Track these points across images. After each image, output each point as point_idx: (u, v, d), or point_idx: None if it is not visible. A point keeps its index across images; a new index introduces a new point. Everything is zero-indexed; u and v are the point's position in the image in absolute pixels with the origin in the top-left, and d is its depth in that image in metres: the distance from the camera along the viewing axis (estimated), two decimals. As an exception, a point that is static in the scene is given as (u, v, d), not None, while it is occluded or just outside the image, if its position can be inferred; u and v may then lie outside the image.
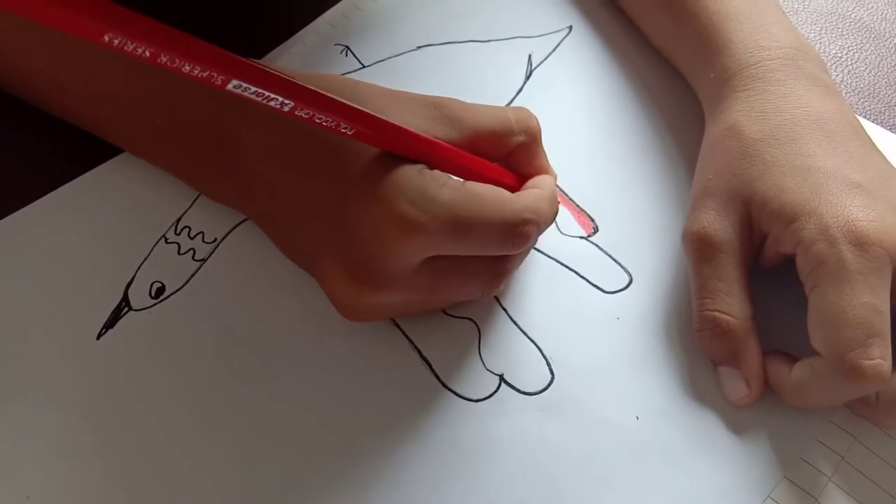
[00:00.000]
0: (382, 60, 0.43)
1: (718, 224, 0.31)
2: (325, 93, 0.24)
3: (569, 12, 0.45)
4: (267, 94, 0.23)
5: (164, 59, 0.20)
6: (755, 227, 0.31)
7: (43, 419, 0.30)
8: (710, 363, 0.32)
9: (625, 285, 0.35)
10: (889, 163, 0.32)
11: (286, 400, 0.31)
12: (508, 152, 0.31)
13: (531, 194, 0.30)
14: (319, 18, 0.45)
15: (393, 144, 0.27)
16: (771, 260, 0.32)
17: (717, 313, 0.31)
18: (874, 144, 0.33)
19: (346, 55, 0.43)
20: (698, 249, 0.32)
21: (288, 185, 0.30)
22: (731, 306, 0.31)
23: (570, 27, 0.44)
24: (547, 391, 0.31)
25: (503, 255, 0.30)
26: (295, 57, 0.43)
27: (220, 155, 0.32)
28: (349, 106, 0.25)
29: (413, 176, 0.26)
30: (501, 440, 0.30)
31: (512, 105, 0.41)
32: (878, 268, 0.28)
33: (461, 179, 0.28)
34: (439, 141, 0.28)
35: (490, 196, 0.28)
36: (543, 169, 0.33)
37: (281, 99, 0.23)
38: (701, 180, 0.33)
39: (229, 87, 0.22)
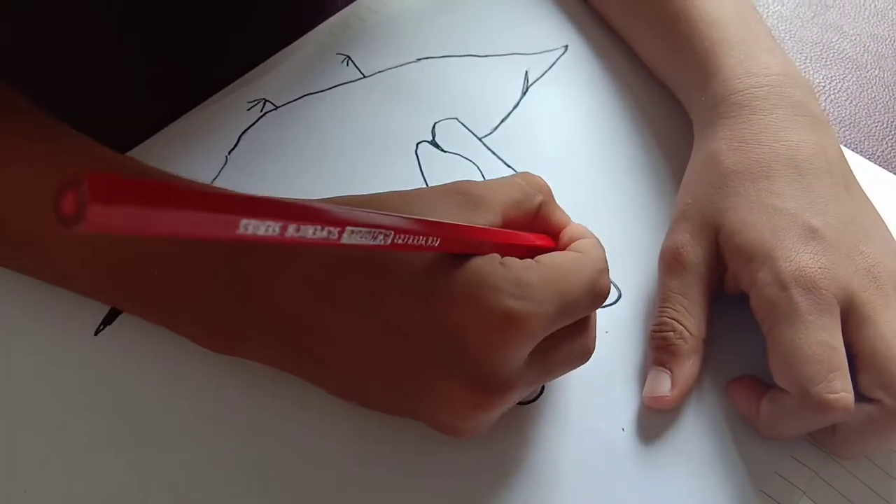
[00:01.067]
0: (382, 71, 0.43)
1: (691, 247, 0.33)
2: (406, 216, 0.23)
3: (566, 32, 0.47)
4: (375, 231, 0.21)
5: (290, 233, 0.18)
6: (721, 254, 0.33)
7: (41, 416, 0.30)
8: (647, 365, 0.33)
9: (614, 300, 0.36)
10: (857, 201, 0.33)
11: (288, 396, 0.31)
12: (532, 217, 0.30)
13: (586, 245, 0.29)
14: (321, 26, 0.46)
15: (466, 245, 0.26)
16: (732, 290, 0.33)
17: (674, 322, 0.32)
18: (848, 181, 0.34)
19: (347, 64, 0.44)
20: (670, 266, 0.33)
21: (345, 325, 0.27)
22: (689, 322, 0.32)
23: (566, 46, 0.46)
24: (536, 401, 0.32)
25: (585, 319, 0.29)
26: (296, 65, 0.43)
27: (242, 307, 0.28)
28: (429, 221, 0.24)
29: (498, 269, 0.25)
30: (490, 448, 0.31)
31: (506, 120, 0.42)
32: (827, 309, 0.29)
33: (529, 259, 0.27)
34: (494, 228, 0.28)
35: (568, 262, 0.27)
36: (565, 221, 0.32)
37: (383, 234, 0.21)
38: (681, 203, 0.35)
39: (344, 238, 0.20)
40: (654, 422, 0.32)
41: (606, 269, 0.29)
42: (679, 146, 0.40)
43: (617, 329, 0.35)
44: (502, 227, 0.28)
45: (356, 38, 0.45)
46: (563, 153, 0.41)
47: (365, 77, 0.43)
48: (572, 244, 0.29)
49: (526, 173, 0.31)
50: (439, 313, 0.25)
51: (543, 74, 0.44)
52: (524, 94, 0.43)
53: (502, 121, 0.42)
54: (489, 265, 0.25)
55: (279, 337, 0.28)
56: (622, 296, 0.36)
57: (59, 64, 0.39)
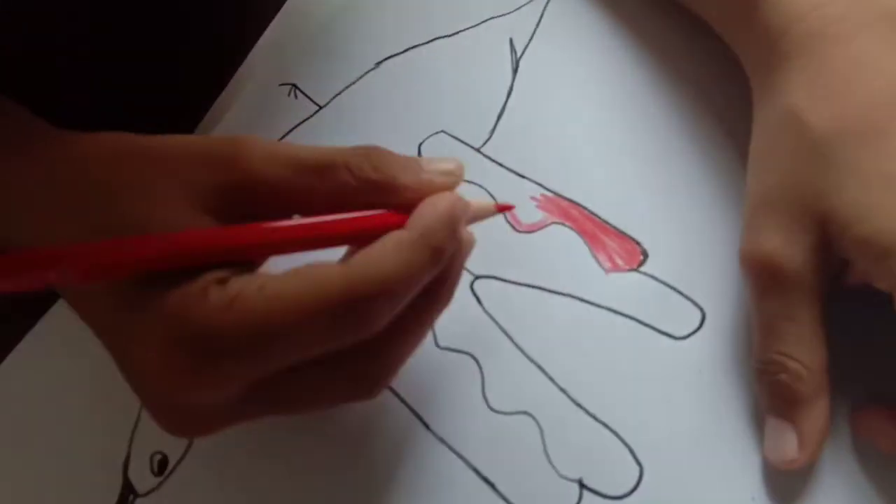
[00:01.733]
0: (340, 93, 0.35)
1: (787, 249, 0.25)
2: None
3: (543, -31, 0.37)
4: None
5: None
6: (834, 252, 0.25)
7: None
8: (762, 409, 0.26)
9: (698, 324, 0.28)
10: None
11: None
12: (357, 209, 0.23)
13: (368, 253, 0.21)
14: (253, 53, 0.37)
15: (156, 266, 0.21)
16: (855, 286, 0.25)
17: (785, 358, 0.25)
18: None
19: (296, 96, 0.35)
20: (762, 281, 0.25)
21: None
22: (804, 354, 0.25)
23: (550, -11, 0.36)
24: (640, 488, 0.26)
25: (363, 343, 0.22)
26: (240, 113, 0.36)
27: None
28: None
29: (192, 309, 0.21)
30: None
31: (503, 114, 0.33)
32: None
33: (264, 279, 0.21)
34: (224, 228, 0.22)
35: (299, 287, 0.21)
36: (422, 196, 0.23)
37: None
38: (758, 186, 0.26)
39: None
40: (789, 484, 0.26)
41: (375, 293, 0.21)
42: (731, 100, 0.31)
43: (712, 364, 0.28)
44: (288, 214, 0.22)
45: (296, 60, 0.36)
46: (581, 139, 0.32)
47: (322, 108, 0.35)
48: (375, 243, 0.22)
49: (366, 150, 0.23)
50: (124, 339, 0.23)
51: (532, 37, 0.35)
52: (515, 72, 0.34)
53: (498, 118, 0.33)
54: (185, 301, 0.21)
55: None
56: (706, 316, 0.28)
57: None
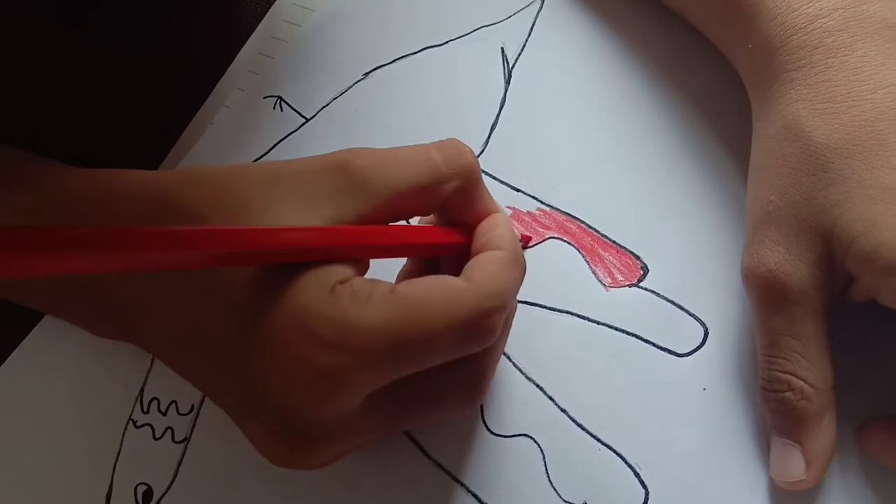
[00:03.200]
0: (328, 105, 0.34)
1: (790, 265, 0.24)
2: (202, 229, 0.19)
3: (534, -23, 0.36)
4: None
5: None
6: (838, 267, 0.24)
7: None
8: (767, 428, 0.26)
9: (701, 340, 0.28)
10: None
11: None
12: (442, 202, 0.24)
13: (486, 269, 0.23)
14: (235, 64, 0.36)
15: (278, 258, 0.21)
16: (859, 301, 0.25)
17: (790, 377, 0.24)
18: None
19: (282, 109, 0.34)
20: (765, 297, 0.25)
21: (171, 330, 0.24)
22: (808, 371, 0.24)
23: (542, -4, 0.35)
24: (644, 511, 0.25)
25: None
26: (222, 125, 0.34)
27: (88, 304, 0.26)
28: (186, 231, 0.19)
29: (322, 303, 0.20)
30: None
31: (495, 126, 0.32)
32: None
33: (390, 285, 0.21)
34: (339, 227, 0.22)
35: (432, 297, 0.21)
36: (488, 210, 0.25)
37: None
38: (759, 200, 0.26)
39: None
40: (799, 500, 0.25)
41: (498, 307, 0.22)
42: (728, 111, 0.31)
43: (717, 383, 0.27)
44: (394, 214, 0.23)
45: (281, 69, 0.35)
46: (579, 149, 0.32)
47: (308, 120, 0.34)
48: (472, 261, 0.23)
49: (448, 143, 0.25)
50: (245, 352, 0.22)
51: (524, 45, 0.34)
52: (508, 81, 0.33)
53: (491, 129, 0.33)
54: (312, 297, 0.20)
55: (125, 332, 0.27)
56: (709, 332, 0.28)
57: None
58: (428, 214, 0.26)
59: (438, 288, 0.22)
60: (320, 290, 0.21)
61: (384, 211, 0.23)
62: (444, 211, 0.25)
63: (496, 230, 0.24)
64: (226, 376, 0.23)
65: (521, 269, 0.24)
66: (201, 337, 0.23)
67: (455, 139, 0.25)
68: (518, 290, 0.24)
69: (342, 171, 0.23)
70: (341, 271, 0.21)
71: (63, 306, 0.28)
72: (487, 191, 0.26)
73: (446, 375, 0.24)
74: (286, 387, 0.21)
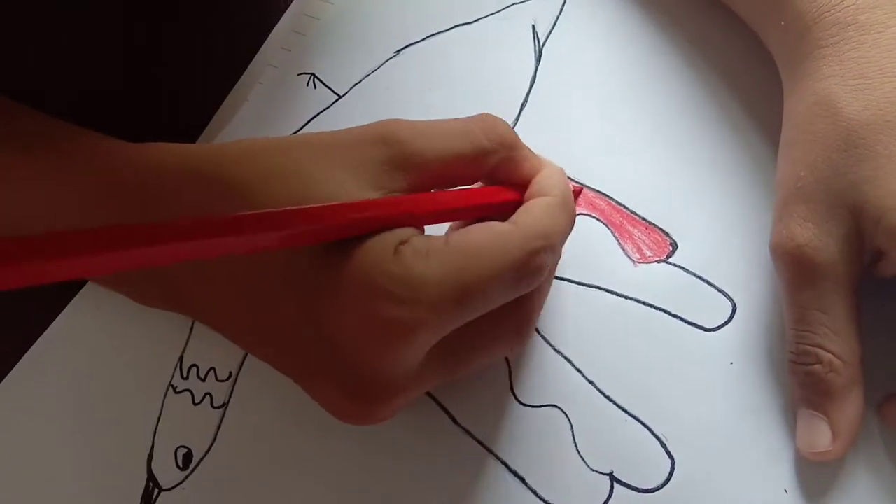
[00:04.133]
0: (360, 82, 0.35)
1: (819, 241, 0.25)
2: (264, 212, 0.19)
3: (566, -46, 0.36)
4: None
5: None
6: (867, 243, 0.24)
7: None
8: (795, 400, 0.26)
9: (729, 315, 0.28)
10: None
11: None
12: (489, 173, 0.25)
13: (532, 212, 0.24)
14: (269, 41, 0.37)
15: (335, 231, 0.21)
16: (888, 276, 0.25)
17: (819, 350, 0.25)
18: None
19: (315, 86, 0.35)
20: (794, 272, 0.25)
21: (233, 302, 0.25)
22: (837, 345, 0.25)
23: (573, -27, 0.35)
24: (671, 481, 0.26)
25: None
26: (256, 102, 0.35)
27: (148, 281, 0.27)
28: (303, 212, 0.20)
29: (388, 263, 0.21)
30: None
31: (526, 104, 0.33)
32: None
33: (443, 236, 0.23)
34: (397, 197, 0.23)
35: (483, 242, 0.23)
36: (536, 170, 0.26)
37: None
38: (789, 176, 0.26)
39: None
40: (823, 476, 0.25)
41: (544, 247, 0.23)
42: (760, 89, 0.31)
43: (745, 357, 0.27)
44: (440, 183, 0.24)
45: (315, 47, 0.36)
46: (609, 127, 0.32)
47: (341, 97, 0.34)
48: (521, 208, 0.25)
49: (485, 117, 0.25)
50: (315, 316, 0.22)
51: (555, 23, 0.35)
52: (539, 59, 0.34)
53: (522, 107, 0.33)
54: (377, 258, 0.21)
55: (186, 307, 0.27)
56: (737, 307, 0.28)
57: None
58: (473, 183, 0.26)
59: (487, 233, 0.23)
60: (385, 252, 0.21)
61: (432, 180, 0.24)
62: (491, 179, 0.26)
63: (546, 180, 0.26)
64: (289, 343, 0.24)
65: (569, 214, 0.25)
66: (260, 308, 0.24)
67: (486, 113, 0.26)
68: (567, 234, 0.26)
69: (388, 141, 0.23)
70: (402, 234, 0.22)
71: (119, 282, 0.29)
72: (531, 151, 0.27)
73: (499, 318, 0.24)
74: (358, 344, 0.22)
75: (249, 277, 0.24)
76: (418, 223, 0.23)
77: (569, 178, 0.31)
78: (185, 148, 0.25)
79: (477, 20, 0.35)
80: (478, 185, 0.27)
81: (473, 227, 0.23)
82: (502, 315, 0.24)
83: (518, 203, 0.25)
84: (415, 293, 0.21)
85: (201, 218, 0.19)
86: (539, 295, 0.26)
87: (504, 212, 0.25)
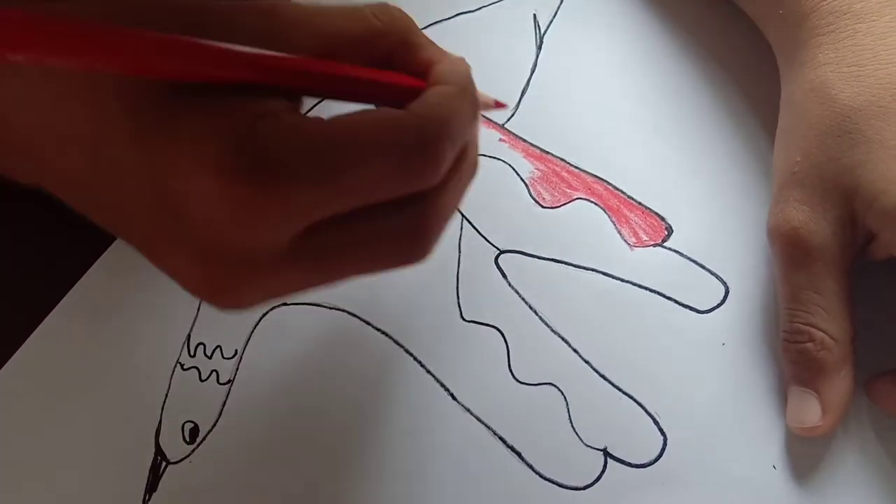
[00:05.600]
0: (363, 69, 0.35)
1: (813, 223, 0.25)
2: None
3: (567, -56, 0.37)
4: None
5: None
6: (860, 225, 0.25)
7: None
8: (787, 378, 0.27)
9: (721, 298, 0.29)
10: None
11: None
12: (381, 58, 0.22)
13: (429, 99, 0.21)
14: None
15: (203, 69, 0.18)
16: (880, 259, 0.26)
17: (811, 328, 0.25)
18: None
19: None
20: (789, 254, 0.26)
21: (73, 161, 0.22)
22: (829, 324, 0.25)
23: (574, -36, 0.36)
24: (663, 457, 0.27)
25: (419, 194, 0.21)
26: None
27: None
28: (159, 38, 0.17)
29: (246, 125, 0.19)
30: (623, 526, 0.26)
31: (526, 91, 0.33)
32: None
33: (319, 116, 0.20)
34: (279, 54, 0.19)
35: (368, 121, 0.20)
36: (436, 57, 0.23)
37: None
38: (785, 161, 0.27)
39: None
40: (811, 453, 0.26)
41: (443, 135, 0.20)
42: (758, 78, 0.31)
43: (735, 337, 0.28)
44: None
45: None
46: (607, 114, 0.33)
47: (345, 83, 0.35)
48: (419, 97, 0.21)
49: (382, 3, 0.23)
50: (162, 172, 0.19)
51: (556, 12, 0.35)
52: (539, 48, 0.34)
53: (522, 93, 0.34)
54: (239, 117, 0.19)
55: (25, 169, 0.24)
56: (730, 290, 0.29)
57: None
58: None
59: (375, 114, 0.20)
60: (246, 112, 0.19)
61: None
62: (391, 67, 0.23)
63: (445, 68, 0.23)
64: (136, 209, 0.21)
65: (471, 104, 0.22)
66: (111, 168, 0.21)
67: (385, 3, 0.23)
68: (468, 125, 0.22)
69: (269, 14, 0.20)
70: (272, 104, 0.19)
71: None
72: (430, 40, 0.24)
73: (384, 219, 0.21)
74: (206, 214, 0.19)
75: (100, 138, 0.21)
76: (293, 83, 0.20)
77: (565, 160, 0.32)
78: None
79: (479, 8, 0.36)
80: None
81: (362, 110, 0.20)
82: (390, 217, 0.21)
83: (419, 92, 0.22)
84: (268, 168, 0.18)
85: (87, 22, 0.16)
86: (437, 203, 0.22)
87: (401, 100, 0.22)
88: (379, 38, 0.22)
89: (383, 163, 0.19)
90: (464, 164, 0.23)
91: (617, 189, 0.31)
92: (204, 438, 0.29)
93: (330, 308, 0.31)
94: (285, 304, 0.31)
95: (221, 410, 0.30)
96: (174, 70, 0.18)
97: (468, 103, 0.22)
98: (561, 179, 0.32)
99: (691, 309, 0.29)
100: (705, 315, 0.29)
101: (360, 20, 0.22)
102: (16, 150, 0.23)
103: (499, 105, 0.27)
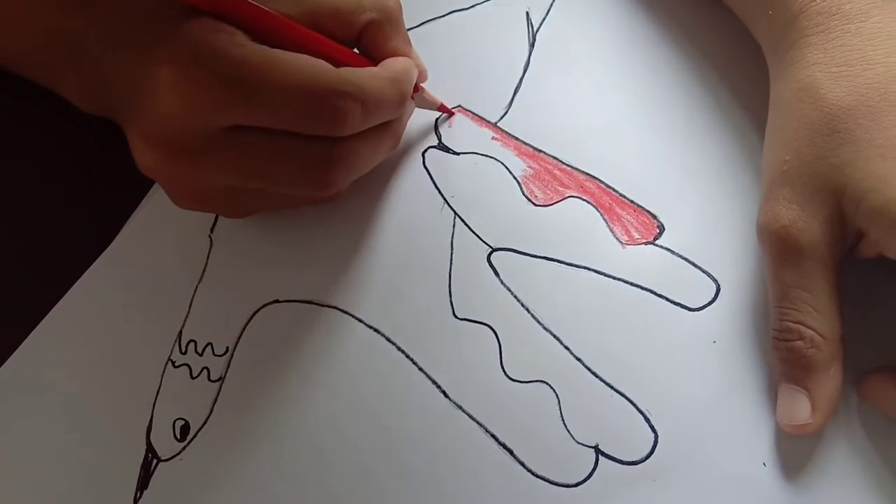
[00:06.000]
0: (356, 66, 0.35)
1: (803, 222, 0.25)
2: None
3: (560, -57, 0.37)
4: None
5: None
6: (849, 224, 0.25)
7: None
8: (777, 376, 0.27)
9: (712, 296, 0.29)
10: None
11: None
12: (357, 32, 0.28)
13: (360, 70, 0.27)
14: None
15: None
16: (869, 257, 0.26)
17: (801, 327, 0.26)
18: None
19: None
20: (779, 252, 0.26)
21: (124, 72, 0.27)
22: (819, 322, 0.25)
23: (567, -38, 0.36)
24: (654, 454, 0.27)
25: (330, 138, 0.27)
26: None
27: (62, 52, 0.29)
28: None
29: (205, 34, 0.25)
30: (614, 523, 0.26)
31: (519, 89, 0.34)
32: None
33: (266, 47, 0.26)
34: (261, 7, 0.26)
35: (296, 62, 0.26)
36: (401, 52, 0.30)
37: None
38: (775, 160, 0.27)
39: None
40: (800, 449, 0.26)
41: (351, 94, 0.26)
42: (749, 78, 0.31)
43: (726, 335, 0.28)
44: (307, 27, 0.27)
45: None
46: (600, 112, 0.33)
47: (338, 80, 0.35)
48: (358, 68, 0.28)
49: None
50: (149, 64, 0.26)
51: (549, 10, 0.35)
52: (532, 46, 0.34)
53: (515, 91, 0.34)
54: (202, 29, 0.25)
55: (89, 83, 0.29)
56: (721, 288, 0.29)
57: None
58: (346, 42, 0.28)
59: (308, 60, 0.26)
60: (207, 27, 0.25)
61: (304, 21, 0.27)
62: (359, 44, 0.29)
63: (394, 60, 0.29)
64: (122, 101, 0.27)
65: (396, 90, 0.28)
66: (112, 68, 0.27)
67: None
68: (385, 105, 0.28)
69: None
70: (234, 30, 0.25)
71: (53, 77, 0.31)
72: (407, 38, 0.30)
73: (294, 144, 0.27)
74: (160, 87, 0.25)
75: (100, 31, 0.27)
76: (275, 40, 0.26)
77: (558, 158, 0.32)
78: None
79: (472, 6, 0.36)
80: None
81: (304, 56, 0.26)
82: (302, 141, 0.27)
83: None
84: (210, 60, 0.25)
85: None
86: (346, 147, 0.28)
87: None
88: (359, 14, 0.28)
89: (293, 98, 0.25)
90: (384, 133, 0.29)
91: (609, 187, 0.31)
92: (195, 436, 0.29)
93: (321, 305, 0.31)
94: (277, 301, 0.31)
95: (212, 408, 0.30)
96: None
97: (393, 88, 0.28)
98: (553, 177, 0.32)
99: (682, 307, 0.29)
100: (696, 313, 0.29)
101: None
102: (38, 49, 0.29)
103: (443, 108, 0.33)
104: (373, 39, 0.29)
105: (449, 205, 0.32)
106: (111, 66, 0.28)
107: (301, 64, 0.26)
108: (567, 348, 0.29)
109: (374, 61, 0.29)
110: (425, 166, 0.33)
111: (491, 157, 0.32)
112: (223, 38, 0.25)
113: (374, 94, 0.27)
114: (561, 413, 0.28)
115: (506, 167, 0.32)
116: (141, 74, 0.26)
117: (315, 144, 0.27)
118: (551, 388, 0.28)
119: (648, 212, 0.31)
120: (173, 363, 0.31)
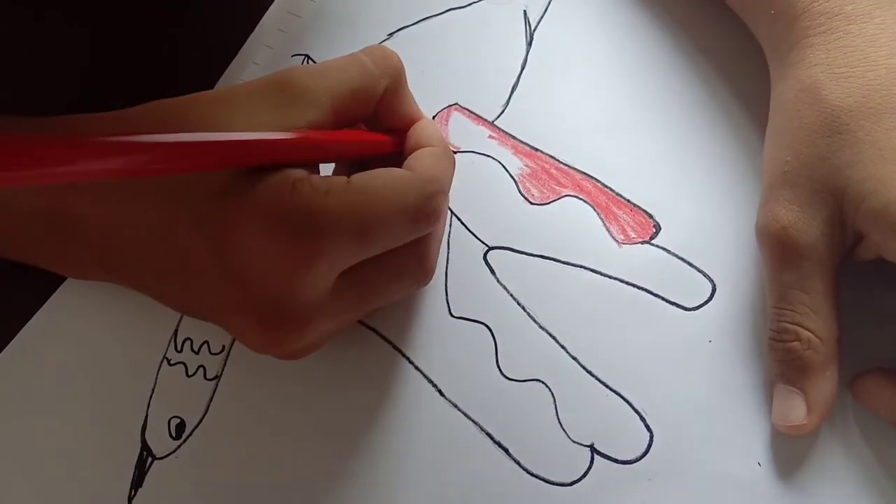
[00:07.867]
0: (353, 63, 0.35)
1: (802, 223, 0.25)
2: (108, 138, 0.19)
3: (558, -59, 0.37)
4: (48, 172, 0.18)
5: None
6: (848, 226, 0.25)
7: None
8: (771, 377, 0.27)
9: (708, 296, 0.29)
10: None
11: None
12: (376, 104, 0.28)
13: (424, 160, 0.27)
14: (263, 22, 0.37)
15: (235, 160, 0.23)
16: (868, 260, 0.26)
17: (798, 328, 0.26)
18: None
19: (309, 66, 0.35)
20: (778, 253, 0.26)
21: (145, 252, 0.26)
22: (816, 324, 0.25)
23: (565, -40, 0.36)
24: (650, 453, 0.27)
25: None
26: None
27: (65, 241, 0.27)
28: (148, 143, 0.20)
29: (286, 196, 0.23)
30: (609, 522, 0.26)
31: (516, 88, 0.33)
32: None
33: (345, 178, 0.24)
34: (294, 135, 0.24)
35: (384, 184, 0.25)
36: (414, 114, 0.29)
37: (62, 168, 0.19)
38: (775, 161, 0.27)
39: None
40: (795, 449, 0.26)
41: (439, 191, 0.26)
42: (749, 78, 0.31)
43: (722, 335, 0.28)
44: (335, 121, 0.26)
45: (309, 28, 0.36)
46: (598, 111, 0.33)
47: (334, 78, 0.35)
48: (411, 156, 0.27)
49: (375, 48, 0.28)
50: (220, 248, 0.24)
51: (546, 9, 0.35)
52: (529, 44, 0.34)
53: (512, 90, 0.34)
54: (279, 190, 0.23)
55: (99, 265, 0.28)
56: (717, 288, 0.29)
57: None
58: (365, 118, 0.28)
59: (387, 177, 0.25)
60: (283, 186, 0.23)
61: (328, 118, 0.25)
62: (376, 117, 0.28)
63: (426, 131, 0.28)
64: (203, 285, 0.25)
65: (452, 161, 0.28)
66: (176, 255, 0.25)
67: (379, 45, 0.28)
68: (451, 178, 0.29)
69: (283, 85, 0.25)
70: (299, 171, 0.23)
71: (38, 249, 0.29)
72: (412, 96, 0.29)
73: (401, 256, 0.26)
74: (263, 275, 0.23)
75: (165, 231, 0.24)
76: (312, 156, 0.25)
77: (554, 157, 0.32)
78: (103, 117, 0.26)
79: (469, 4, 0.36)
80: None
81: (373, 171, 0.25)
82: (405, 253, 0.26)
83: (397, 144, 0.28)
84: (313, 224, 0.23)
85: (115, 136, 0.19)
86: (436, 235, 0.28)
87: (384, 153, 0.28)
88: (377, 83, 0.27)
89: (400, 220, 0.24)
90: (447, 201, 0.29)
91: (606, 186, 0.31)
92: (190, 434, 0.29)
93: (318, 304, 0.30)
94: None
95: (208, 406, 0.30)
96: (203, 165, 0.22)
97: (449, 161, 0.28)
98: (550, 176, 0.32)
99: (678, 306, 0.29)
100: (692, 312, 0.29)
101: (362, 71, 0.26)
102: (91, 247, 0.27)
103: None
104: (388, 107, 0.28)
105: (445, 203, 0.32)
106: (138, 256, 0.26)
107: (388, 183, 0.24)
108: (563, 347, 0.29)
109: (393, 131, 0.29)
110: (422, 164, 0.33)
111: (487, 156, 0.32)
112: (306, 187, 0.23)
113: (448, 177, 0.28)
114: (556, 412, 0.28)
115: (502, 166, 0.32)
116: (213, 256, 0.24)
117: (414, 247, 0.26)
118: (547, 386, 0.28)
119: (645, 211, 0.31)
120: (169, 361, 0.30)
